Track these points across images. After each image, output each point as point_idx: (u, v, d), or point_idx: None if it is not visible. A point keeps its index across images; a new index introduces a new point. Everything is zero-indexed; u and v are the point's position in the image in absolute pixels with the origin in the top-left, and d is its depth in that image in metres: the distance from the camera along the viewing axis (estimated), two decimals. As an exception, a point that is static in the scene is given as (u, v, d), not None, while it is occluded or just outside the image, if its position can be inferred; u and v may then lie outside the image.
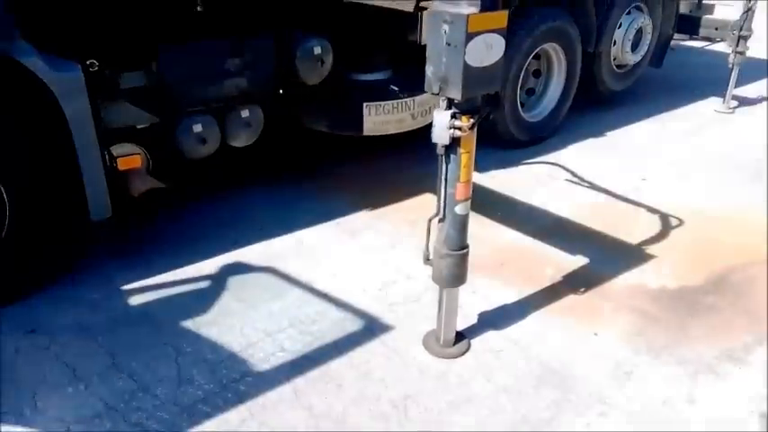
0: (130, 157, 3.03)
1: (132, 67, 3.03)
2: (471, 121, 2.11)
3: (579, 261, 3.39)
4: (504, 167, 4.60)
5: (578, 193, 4.24)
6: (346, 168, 4.45)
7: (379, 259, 3.36)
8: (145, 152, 3.17)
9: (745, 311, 3.00)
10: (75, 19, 2.91)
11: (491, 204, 3.97)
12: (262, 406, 2.35)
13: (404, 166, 4.45)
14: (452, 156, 2.19)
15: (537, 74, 5.13)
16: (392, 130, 4.06)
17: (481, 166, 4.47)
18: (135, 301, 2.97)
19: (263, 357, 2.61)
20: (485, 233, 3.58)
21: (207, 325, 2.79)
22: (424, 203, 3.85)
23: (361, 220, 3.78)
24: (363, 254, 3.43)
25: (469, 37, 1.89)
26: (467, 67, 1.93)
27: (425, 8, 2.02)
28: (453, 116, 2.08)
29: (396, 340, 2.74)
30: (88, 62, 2.82)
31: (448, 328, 2.65)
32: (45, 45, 2.66)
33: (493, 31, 1.96)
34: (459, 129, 2.10)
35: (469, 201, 2.37)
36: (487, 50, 1.96)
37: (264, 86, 3.49)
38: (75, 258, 3.19)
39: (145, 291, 3.03)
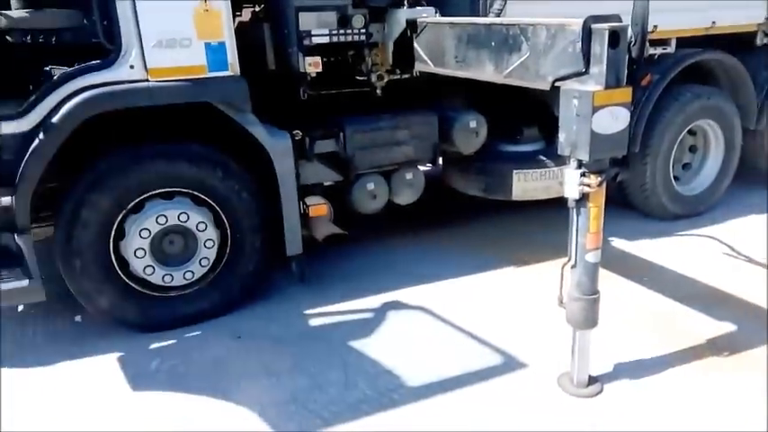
0: (319, 206, 3.78)
1: (325, 137, 3.83)
2: (599, 179, 2.49)
3: (725, 327, 3.44)
4: (656, 238, 4.71)
5: (733, 266, 4.22)
6: (495, 227, 4.89)
7: (522, 307, 3.72)
8: (329, 204, 3.93)
9: None
10: (287, 101, 3.82)
11: (639, 270, 4.14)
12: (411, 412, 2.81)
13: (550, 228, 4.77)
14: (582, 209, 2.57)
15: (693, 149, 5.23)
16: (540, 196, 4.46)
17: (633, 235, 4.69)
18: (314, 322, 3.64)
19: (415, 376, 3.07)
20: (630, 296, 3.79)
21: (370, 346, 3.35)
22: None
23: (508, 273, 4.17)
24: (508, 302, 3.80)
25: (595, 109, 2.31)
26: (593, 134, 2.34)
27: (559, 87, 2.48)
28: (583, 174, 2.48)
29: (533, 377, 3.05)
30: (294, 132, 3.65)
31: (581, 369, 2.92)
32: (264, 118, 3.54)
33: (618, 104, 2.36)
34: (588, 185, 2.49)
35: (600, 250, 2.69)
36: (613, 120, 2.36)
37: (426, 154, 4.13)
38: (270, 285, 3.96)
39: (322, 315, 3.70)
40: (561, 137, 2.48)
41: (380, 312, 3.73)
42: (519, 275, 4.15)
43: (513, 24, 2.68)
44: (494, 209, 4.95)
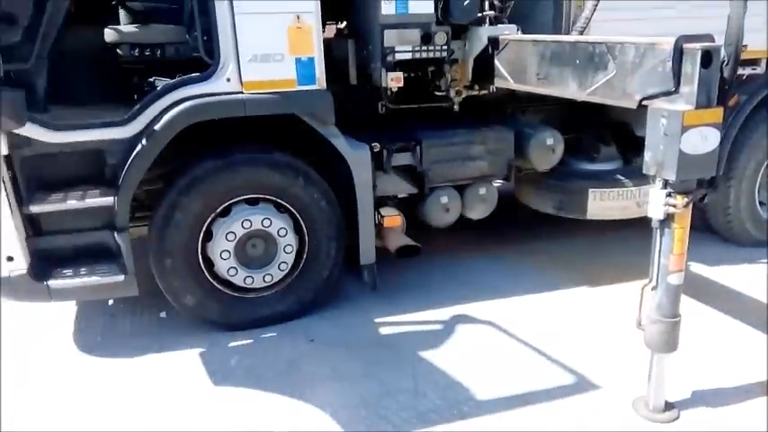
0: (393, 217, 3.87)
1: (402, 150, 3.91)
2: (686, 200, 2.45)
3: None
4: (738, 264, 4.53)
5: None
6: (566, 246, 4.83)
7: (594, 327, 3.66)
8: (402, 216, 4.01)
9: None
10: (366, 116, 3.94)
11: (719, 296, 3.99)
12: (481, 425, 2.83)
13: (624, 249, 4.68)
14: (666, 230, 2.53)
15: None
16: (616, 216, 4.38)
17: (714, 260, 4.54)
18: (383, 330, 3.72)
19: (484, 390, 3.09)
20: (710, 322, 3.67)
21: (439, 357, 3.38)
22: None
23: (580, 292, 4.12)
24: (580, 322, 3.75)
25: (685, 129, 2.29)
26: (682, 154, 2.32)
27: (647, 105, 2.46)
28: (669, 195, 2.45)
29: (606, 399, 3.00)
30: (372, 144, 3.76)
31: (657, 393, 2.85)
32: (346, 131, 3.66)
33: (708, 124, 2.33)
34: (674, 206, 2.45)
35: (683, 272, 2.64)
36: (702, 141, 2.33)
37: (501, 170, 4.15)
38: (340, 292, 4.07)
39: (391, 324, 3.77)
40: (647, 156, 2.46)
41: (449, 324, 3.76)
42: (591, 296, 4.09)
43: (600, 42, 2.69)
44: (564, 227, 4.89)
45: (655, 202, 2.48)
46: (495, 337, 3.61)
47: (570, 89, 2.91)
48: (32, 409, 3.03)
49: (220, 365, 3.37)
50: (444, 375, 3.22)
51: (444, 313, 3.88)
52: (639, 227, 4.37)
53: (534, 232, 5.08)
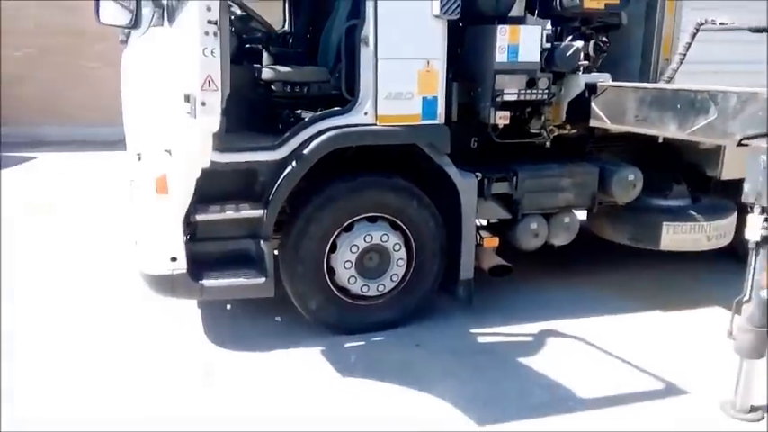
0: (492, 239, 4.33)
1: (500, 180, 4.38)
2: (779, 224, 2.87)
3: None
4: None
5: None
6: (636, 275, 5.21)
7: (672, 344, 4.03)
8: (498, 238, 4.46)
9: None
10: (471, 149, 4.45)
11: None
12: (589, 418, 3.23)
13: (698, 281, 5.04)
14: (762, 251, 2.95)
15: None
16: (687, 248, 4.77)
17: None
18: (481, 339, 4.14)
19: (583, 391, 3.48)
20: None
21: (538, 362, 3.78)
22: (712, 314, 4.43)
23: (654, 317, 4.49)
24: (658, 340, 4.11)
25: (782, 164, 2.73)
26: (778, 185, 2.76)
27: (747, 144, 2.90)
28: (765, 220, 2.88)
29: (694, 402, 3.37)
30: (476, 173, 4.24)
31: (744, 396, 3.21)
32: (456, 161, 4.15)
33: (802, 161, 2.77)
34: (769, 230, 2.88)
35: (773, 288, 3.03)
36: (796, 174, 2.76)
37: (586, 201, 4.59)
38: (435, 306, 4.50)
39: (487, 335, 4.18)
40: (746, 187, 2.90)
41: (539, 337, 4.16)
42: (665, 319, 4.45)
43: (702, 90, 3.16)
44: (630, 260, 5.25)
45: (752, 226, 2.91)
46: (584, 348, 4.00)
47: (670, 129, 3.37)
48: (179, 391, 3.50)
49: (342, 361, 3.81)
50: (546, 377, 3.62)
51: (532, 328, 4.28)
52: (703, 260, 4.79)
53: (602, 262, 5.44)
